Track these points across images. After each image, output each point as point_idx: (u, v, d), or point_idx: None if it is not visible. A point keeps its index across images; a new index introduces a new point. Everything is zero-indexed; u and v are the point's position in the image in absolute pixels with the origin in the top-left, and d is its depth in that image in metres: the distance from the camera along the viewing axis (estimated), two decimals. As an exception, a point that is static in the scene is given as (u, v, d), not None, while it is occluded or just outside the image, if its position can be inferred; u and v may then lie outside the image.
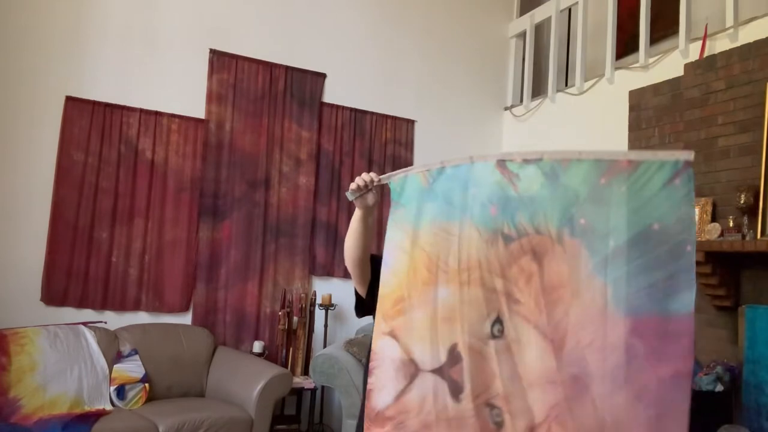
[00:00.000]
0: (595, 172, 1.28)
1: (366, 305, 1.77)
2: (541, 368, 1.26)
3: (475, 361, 1.31)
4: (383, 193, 1.65)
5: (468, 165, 1.40)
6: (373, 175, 1.62)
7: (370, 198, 1.64)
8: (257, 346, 4.20)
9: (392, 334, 1.41)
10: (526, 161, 1.33)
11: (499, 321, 1.32)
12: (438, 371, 1.35)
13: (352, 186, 1.63)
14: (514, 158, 1.35)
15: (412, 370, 1.38)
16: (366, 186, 1.61)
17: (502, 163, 1.36)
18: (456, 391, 1.33)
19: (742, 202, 3.05)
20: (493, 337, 1.32)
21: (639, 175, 1.24)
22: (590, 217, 1.24)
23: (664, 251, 1.20)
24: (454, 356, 1.34)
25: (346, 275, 4.66)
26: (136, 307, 4.06)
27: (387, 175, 1.60)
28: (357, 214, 1.68)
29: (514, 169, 1.34)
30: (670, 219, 1.21)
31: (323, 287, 4.56)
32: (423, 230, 1.43)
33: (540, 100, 5.14)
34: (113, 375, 3.54)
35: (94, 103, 4.00)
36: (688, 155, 1.24)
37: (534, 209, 1.29)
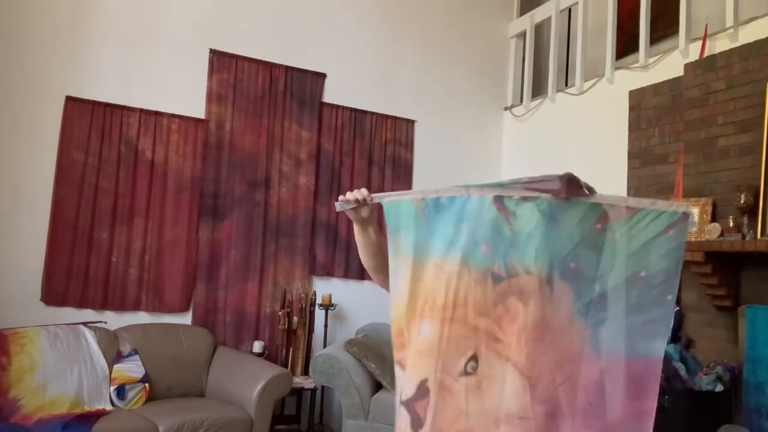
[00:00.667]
0: (592, 215, 1.28)
1: None
2: (515, 404, 1.28)
3: (443, 397, 1.33)
4: (376, 210, 1.61)
5: (464, 197, 1.37)
6: (365, 192, 1.56)
7: (364, 211, 1.59)
8: (257, 346, 4.20)
9: (400, 364, 1.42)
10: (525, 199, 1.31)
11: (474, 358, 1.33)
12: (405, 403, 1.37)
13: (342, 197, 1.57)
14: (513, 195, 1.32)
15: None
16: (357, 201, 1.55)
17: (499, 199, 1.34)
18: (416, 425, 1.34)
19: (742, 202, 3.05)
20: (466, 373, 1.33)
21: (635, 222, 1.27)
22: (581, 261, 1.26)
23: (646, 298, 1.24)
24: (421, 391, 1.35)
25: (346, 275, 4.66)
26: (136, 307, 4.06)
27: (380, 195, 1.54)
28: (355, 228, 1.64)
29: (511, 206, 1.33)
30: (657, 267, 1.24)
31: (323, 287, 4.56)
32: (416, 259, 1.41)
33: (540, 100, 5.14)
34: (113, 375, 3.54)
35: (94, 103, 4.00)
36: (687, 207, 1.27)
37: (527, 249, 1.29)
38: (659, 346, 1.24)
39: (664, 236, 1.25)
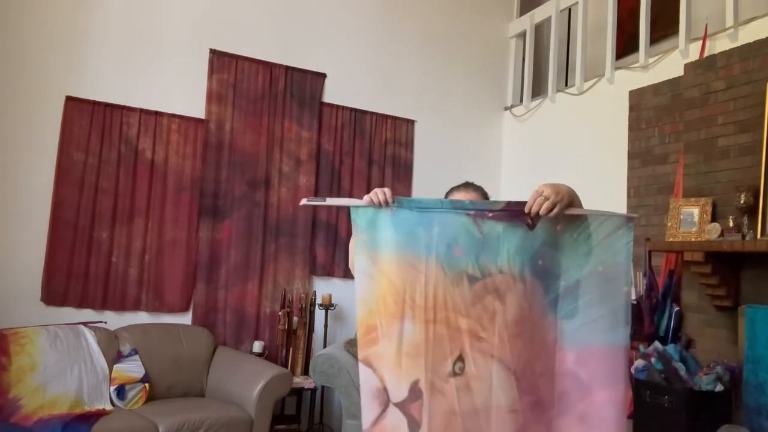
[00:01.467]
0: (553, 220, 1.41)
1: None
2: (505, 399, 1.35)
3: (436, 398, 1.37)
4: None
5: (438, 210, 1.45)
6: (388, 193, 1.51)
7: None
8: (257, 346, 4.20)
9: (367, 362, 1.43)
10: (495, 219, 1.41)
11: (461, 359, 1.38)
12: (400, 405, 1.39)
13: (367, 197, 1.51)
14: (485, 215, 1.41)
15: (384, 398, 1.41)
16: (380, 203, 1.49)
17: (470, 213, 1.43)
18: (414, 427, 1.37)
19: (742, 202, 3.05)
20: (454, 374, 1.38)
21: (588, 224, 1.42)
22: (546, 259, 1.38)
23: (606, 291, 1.37)
24: (415, 392, 1.38)
25: (346, 275, 4.66)
26: (136, 307, 4.06)
27: (332, 201, 1.54)
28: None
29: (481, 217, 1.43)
30: (611, 263, 1.39)
31: (323, 287, 4.56)
32: (387, 258, 1.43)
33: (540, 100, 5.14)
34: (113, 375, 3.54)
35: (94, 103, 4.00)
36: (632, 215, 1.48)
37: (498, 250, 1.39)
38: (623, 334, 1.36)
39: (614, 235, 1.41)
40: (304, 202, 1.59)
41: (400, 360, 1.39)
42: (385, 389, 1.41)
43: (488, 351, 1.36)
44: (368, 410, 1.41)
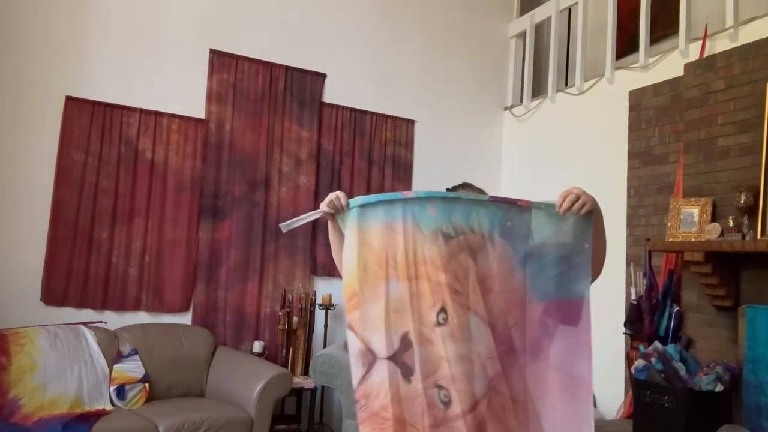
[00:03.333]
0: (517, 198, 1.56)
1: None
2: (483, 347, 1.48)
3: (425, 346, 1.49)
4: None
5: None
6: (342, 196, 1.61)
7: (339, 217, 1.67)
8: (257, 346, 4.20)
9: (350, 327, 1.54)
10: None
11: (443, 310, 1.49)
12: (392, 357, 1.50)
13: (323, 204, 1.62)
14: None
15: (370, 358, 1.51)
16: (335, 208, 1.61)
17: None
18: (407, 373, 1.49)
19: (742, 202, 3.05)
20: (438, 324, 1.49)
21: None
22: (514, 220, 1.50)
23: (569, 248, 1.50)
24: (405, 343, 1.50)
25: (346, 275, 4.65)
26: (136, 307, 4.06)
27: (356, 199, 1.59)
28: (330, 226, 1.72)
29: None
30: (573, 222, 1.50)
31: (323, 287, 4.56)
32: (368, 227, 1.55)
33: (540, 100, 5.14)
34: (113, 375, 3.54)
35: (94, 103, 4.00)
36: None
37: (469, 212, 1.51)
38: (584, 286, 1.49)
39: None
40: (282, 227, 1.73)
41: (390, 317, 1.50)
42: (369, 350, 1.51)
43: (465, 304, 1.48)
44: (355, 371, 1.52)
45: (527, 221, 1.49)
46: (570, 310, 1.49)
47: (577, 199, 1.47)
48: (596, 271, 1.57)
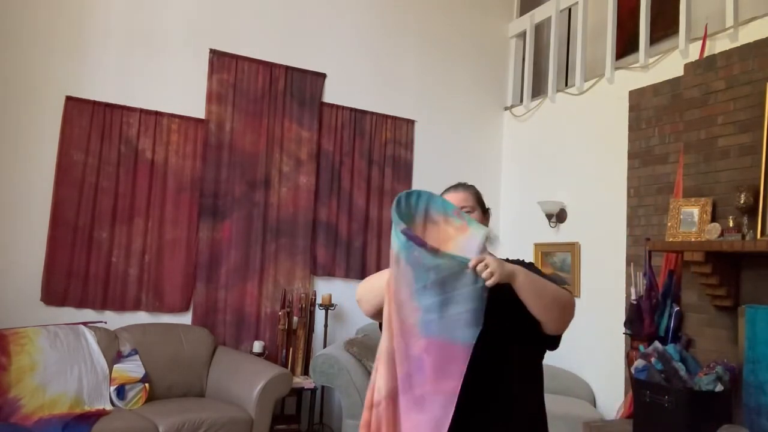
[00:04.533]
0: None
1: None
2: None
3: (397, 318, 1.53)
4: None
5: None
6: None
7: None
8: (257, 346, 4.20)
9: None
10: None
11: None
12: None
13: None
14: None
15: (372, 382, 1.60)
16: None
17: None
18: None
19: (742, 202, 3.05)
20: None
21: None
22: (422, 252, 1.44)
23: (468, 291, 1.43)
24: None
25: (346, 275, 4.66)
26: (136, 307, 4.06)
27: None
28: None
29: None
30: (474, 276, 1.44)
31: (323, 287, 4.56)
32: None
33: (540, 100, 5.14)
34: (113, 375, 3.54)
35: (94, 103, 4.00)
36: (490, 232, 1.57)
37: (395, 233, 1.48)
38: (472, 333, 1.43)
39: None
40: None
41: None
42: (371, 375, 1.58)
43: (391, 314, 1.52)
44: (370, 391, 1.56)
45: (431, 255, 1.43)
46: (449, 355, 1.43)
47: (486, 268, 1.41)
48: (555, 326, 1.53)
